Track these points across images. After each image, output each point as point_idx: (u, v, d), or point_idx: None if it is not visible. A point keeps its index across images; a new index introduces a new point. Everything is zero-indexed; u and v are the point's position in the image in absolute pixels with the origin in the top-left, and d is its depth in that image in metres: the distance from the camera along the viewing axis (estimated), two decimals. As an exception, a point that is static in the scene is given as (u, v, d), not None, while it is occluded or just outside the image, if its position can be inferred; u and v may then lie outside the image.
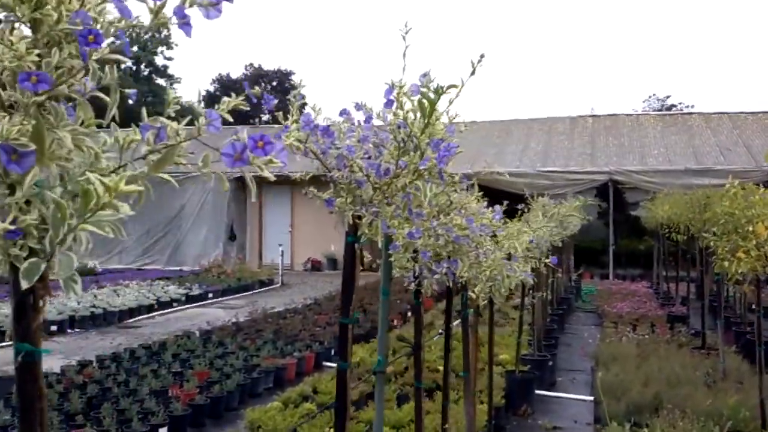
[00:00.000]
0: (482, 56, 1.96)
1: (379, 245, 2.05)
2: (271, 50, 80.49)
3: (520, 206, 8.17)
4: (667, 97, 44.65)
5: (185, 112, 1.07)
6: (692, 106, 39.26)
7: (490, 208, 3.39)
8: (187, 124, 1.09)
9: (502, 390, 7.09)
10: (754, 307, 11.72)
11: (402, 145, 1.99)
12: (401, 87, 1.98)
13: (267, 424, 6.04)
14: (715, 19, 76.76)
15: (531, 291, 8.66)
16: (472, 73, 1.95)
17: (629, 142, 22.71)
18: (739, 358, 8.07)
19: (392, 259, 2.56)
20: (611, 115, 25.27)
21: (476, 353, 4.69)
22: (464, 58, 1.97)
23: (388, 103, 1.94)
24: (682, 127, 23.31)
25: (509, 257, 4.38)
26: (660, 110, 37.50)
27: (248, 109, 1.90)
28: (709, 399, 6.22)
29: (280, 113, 2.03)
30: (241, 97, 1.15)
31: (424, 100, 1.93)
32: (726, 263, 4.40)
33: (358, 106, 2.00)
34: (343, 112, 1.97)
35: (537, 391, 7.85)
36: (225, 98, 1.17)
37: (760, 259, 4.16)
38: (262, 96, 1.98)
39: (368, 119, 1.95)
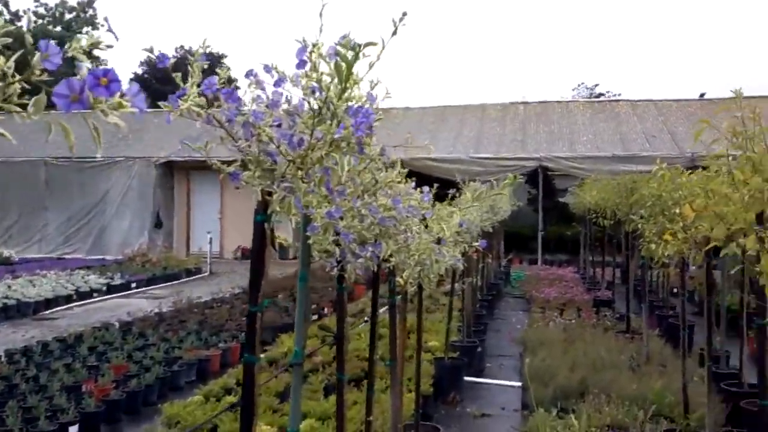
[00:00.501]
0: (404, 14, 1.76)
1: (293, 225, 1.84)
2: (203, 33, 78.42)
3: (451, 191, 8.09)
4: (596, 85, 45.76)
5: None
6: (619, 94, 40.30)
7: (418, 189, 3.22)
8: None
9: (430, 378, 7.00)
10: (675, 290, 12.07)
11: (317, 112, 1.78)
12: (317, 47, 1.77)
13: (186, 419, 5.75)
14: (641, 9, 79.11)
15: (461, 276, 8.60)
16: (394, 33, 1.76)
17: (559, 129, 23.07)
18: (661, 342, 8.23)
19: (311, 241, 2.35)
20: (542, 102, 25.63)
21: (404, 341, 4.54)
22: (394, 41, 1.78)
23: (300, 64, 1.72)
24: (610, 114, 23.84)
25: (438, 241, 4.24)
26: (589, 98, 38.38)
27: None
28: (634, 383, 6.27)
29: (178, 74, 1.78)
30: (98, 34, 0.92)
31: (341, 62, 1.72)
32: (653, 246, 4.38)
33: (267, 68, 1.77)
34: (250, 74, 1.74)
35: (466, 378, 7.80)
36: (79, 35, 0.93)
37: (686, 241, 4.14)
38: (158, 57, 1.74)
39: (279, 82, 1.73)
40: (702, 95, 25.39)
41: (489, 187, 12.48)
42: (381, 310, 4.95)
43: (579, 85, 46.72)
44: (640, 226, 4.93)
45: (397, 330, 4.43)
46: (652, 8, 76.15)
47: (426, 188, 3.24)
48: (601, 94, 43.19)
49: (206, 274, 18.49)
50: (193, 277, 18.01)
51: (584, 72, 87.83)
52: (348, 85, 1.75)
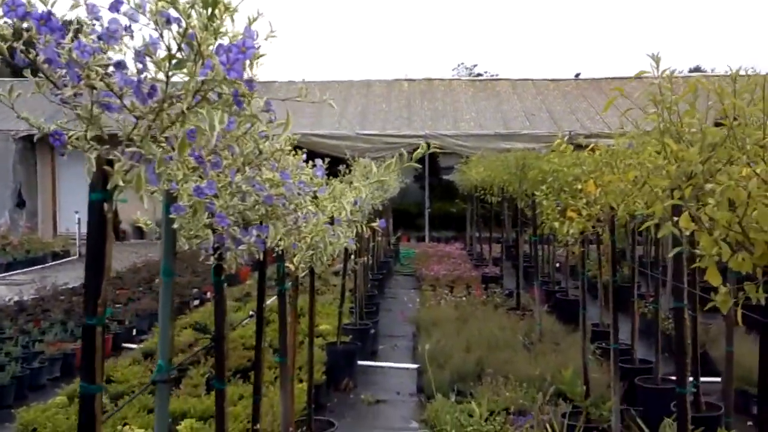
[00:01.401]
0: None
1: (144, 205, 1.34)
2: None
3: (341, 167, 7.67)
4: (474, 65, 46.64)
5: None
6: (497, 75, 41.23)
7: (309, 162, 2.77)
8: None
9: (323, 365, 6.60)
10: (559, 265, 12.30)
11: (175, 50, 1.28)
12: (173, -41, 1.27)
13: (45, 426, 5.04)
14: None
15: (353, 257, 8.23)
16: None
17: (443, 106, 23.13)
18: (552, 319, 8.22)
19: (177, 225, 1.85)
20: (426, 79, 25.60)
21: (294, 332, 4.09)
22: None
23: (149, -21, 1.22)
24: (491, 92, 24.17)
25: (332, 221, 3.81)
26: (469, 77, 38.97)
27: None
28: (530, 363, 6.15)
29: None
30: None
31: (208, -20, 1.24)
32: (557, 224, 4.17)
33: (102, -14, 1.26)
34: (74, -9, 1.22)
35: (359, 362, 7.46)
36: None
37: (590, 218, 3.95)
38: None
39: (116, 5, 1.22)
40: (577, 75, 26.29)
41: (378, 164, 12.23)
42: (268, 301, 4.45)
43: (459, 65, 47.50)
44: (543, 202, 4.73)
45: (288, 320, 3.96)
46: (530, -10, 78.56)
47: (319, 161, 2.79)
48: (479, 74, 44.08)
49: (75, 257, 17.14)
50: (60, 261, 16.65)
51: (463, 51, 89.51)
52: (217, 12, 1.27)
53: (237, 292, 10.62)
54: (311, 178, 2.79)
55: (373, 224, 4.32)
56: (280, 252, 3.39)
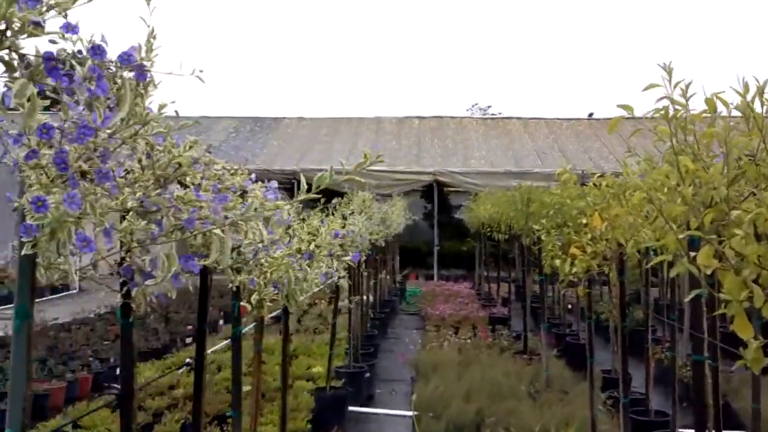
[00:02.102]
0: None
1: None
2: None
3: (335, 200, 7.29)
4: (489, 106, 46.44)
5: None
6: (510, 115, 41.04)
7: (259, 183, 2.38)
8: None
9: (309, 412, 6.12)
10: (571, 307, 11.77)
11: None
12: None
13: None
14: (533, 34, 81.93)
15: (348, 294, 7.79)
16: None
17: (453, 144, 22.86)
18: (561, 364, 7.70)
19: (29, 251, 1.42)
20: (436, 117, 25.40)
21: (258, 382, 3.63)
22: None
23: None
24: (503, 131, 23.88)
25: (299, 252, 3.40)
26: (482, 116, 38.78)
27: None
28: (535, 413, 5.64)
29: None
30: None
31: None
32: (557, 261, 3.75)
33: None
34: None
35: (352, 408, 6.97)
36: None
37: (595, 256, 3.52)
38: None
39: None
40: (590, 115, 25.96)
41: (382, 200, 11.88)
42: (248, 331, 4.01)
43: (473, 106, 47.27)
44: (542, 237, 4.32)
45: (241, 368, 3.53)
46: (543, 33, 79.01)
47: (273, 183, 2.39)
48: (493, 115, 43.89)
49: (74, 291, 16.78)
50: (60, 295, 16.28)
51: (478, 92, 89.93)
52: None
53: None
54: (262, 201, 2.39)
55: (345, 258, 3.90)
56: (234, 289, 2.98)
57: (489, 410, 5.83)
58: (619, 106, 2.87)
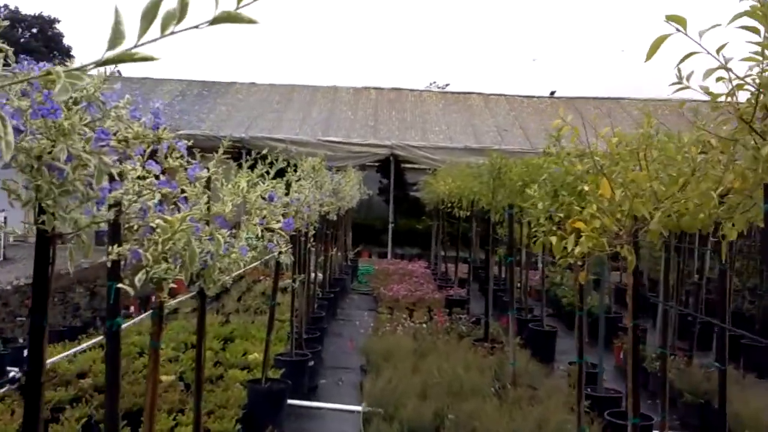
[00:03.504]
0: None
1: None
2: (33, -6, 70.89)
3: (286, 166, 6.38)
4: (447, 84, 45.43)
5: None
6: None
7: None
8: None
9: (239, 409, 5.23)
10: (526, 288, 11.07)
11: None
12: None
13: None
14: (490, 11, 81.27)
15: (293, 272, 6.91)
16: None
17: (412, 117, 21.99)
18: (526, 355, 6.95)
19: None
20: (395, 89, 24.46)
21: (155, 383, 2.71)
22: None
23: None
24: (463, 106, 23.10)
25: (225, 222, 2.50)
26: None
27: None
28: (502, 415, 4.86)
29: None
30: None
31: None
32: (553, 239, 2.92)
33: None
34: None
35: (292, 402, 6.11)
36: None
37: (603, 232, 2.71)
38: None
39: None
40: (552, 93, 25.36)
41: (336, 173, 10.96)
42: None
43: (431, 84, 46.16)
44: (531, 211, 3.50)
45: (148, 371, 2.62)
46: (501, 10, 78.42)
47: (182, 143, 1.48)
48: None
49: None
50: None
51: (436, 69, 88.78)
52: None
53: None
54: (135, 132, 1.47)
55: (274, 225, 3.01)
56: (109, 266, 2.06)
57: (449, 410, 5.03)
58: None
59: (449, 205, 11.68)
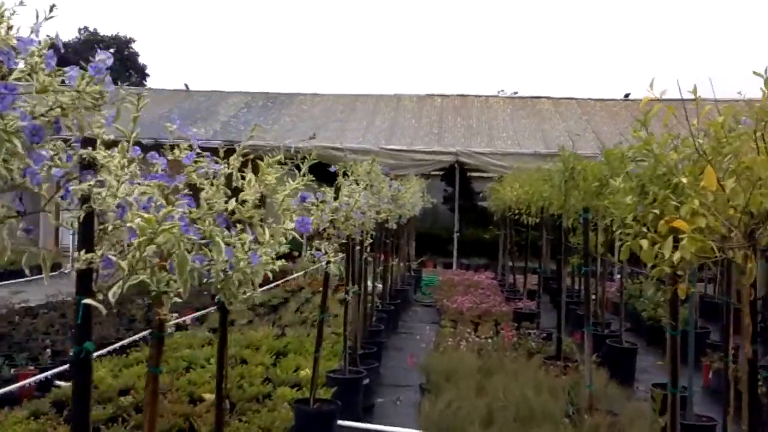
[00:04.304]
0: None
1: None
2: (109, 14, 73.64)
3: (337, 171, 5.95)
4: (515, 92, 44.53)
5: None
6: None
7: None
8: None
9: (285, 431, 4.79)
10: (594, 298, 10.27)
11: None
12: None
13: None
14: (561, 15, 79.56)
15: (341, 284, 6.46)
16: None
17: (478, 124, 21.36)
18: (603, 374, 6.27)
19: None
20: (460, 95, 23.87)
21: (152, 417, 2.27)
22: None
23: None
24: (532, 111, 22.31)
25: (226, 221, 2.05)
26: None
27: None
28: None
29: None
30: None
31: None
32: (644, 243, 2.34)
33: None
34: None
35: (344, 422, 5.64)
36: None
37: (711, 232, 2.12)
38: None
39: None
40: (626, 95, 24.23)
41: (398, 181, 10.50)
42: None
43: (499, 92, 45.30)
44: (613, 212, 2.91)
45: (144, 400, 2.19)
46: (575, 13, 76.63)
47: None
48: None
49: (66, 271, 15.63)
50: (52, 274, 15.13)
51: (503, 75, 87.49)
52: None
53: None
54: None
55: (286, 226, 2.54)
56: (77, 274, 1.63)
57: (517, 440, 4.46)
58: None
59: (517, 212, 11.04)
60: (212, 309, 9.97)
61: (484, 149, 18.83)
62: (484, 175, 19.63)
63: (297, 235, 2.52)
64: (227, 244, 2.56)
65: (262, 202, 2.94)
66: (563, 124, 20.86)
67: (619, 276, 14.47)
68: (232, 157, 2.74)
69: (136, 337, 7.78)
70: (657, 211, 2.12)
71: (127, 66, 43.91)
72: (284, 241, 3.05)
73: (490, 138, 20.12)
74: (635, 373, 7.80)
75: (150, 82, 43.33)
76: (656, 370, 8.41)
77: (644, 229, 2.47)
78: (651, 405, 5.09)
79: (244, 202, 2.79)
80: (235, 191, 2.91)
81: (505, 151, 18.78)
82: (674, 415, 2.97)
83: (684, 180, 2.46)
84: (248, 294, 2.73)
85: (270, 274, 2.89)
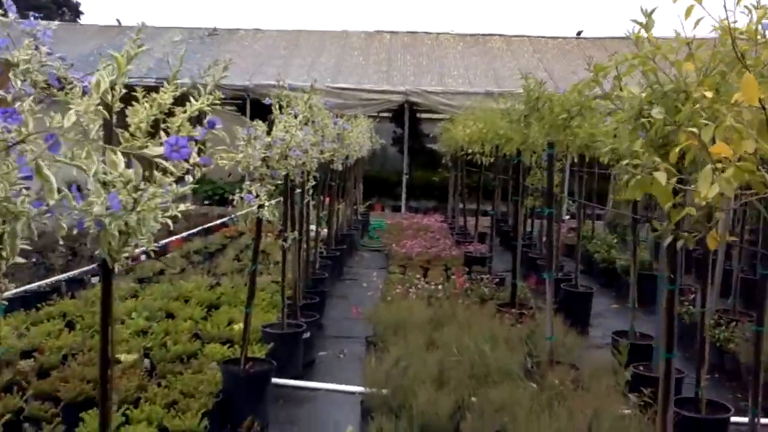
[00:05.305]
0: None
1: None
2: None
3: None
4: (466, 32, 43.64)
5: None
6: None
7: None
8: None
9: (211, 396, 4.21)
10: (549, 242, 9.91)
11: None
12: None
13: None
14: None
15: (280, 232, 5.85)
16: None
17: (428, 62, 20.61)
18: (560, 321, 5.80)
19: None
20: (410, 32, 23.00)
21: None
22: None
23: None
24: (483, 49, 21.65)
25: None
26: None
27: None
28: (541, 407, 3.80)
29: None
30: None
31: None
32: (660, 177, 1.77)
33: None
34: None
35: (282, 381, 5.11)
36: None
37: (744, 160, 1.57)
38: None
39: None
40: (579, 33, 23.72)
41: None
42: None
43: (450, 31, 44.36)
44: (607, 142, 2.33)
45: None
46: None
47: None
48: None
49: None
50: None
51: (454, 12, 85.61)
52: None
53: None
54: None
55: (193, 131, 1.92)
56: None
57: (473, 402, 3.97)
58: None
59: (470, 152, 10.49)
60: (143, 257, 9.24)
61: (434, 88, 18.16)
62: (434, 116, 19.02)
63: (167, 165, 1.87)
64: (103, 184, 1.92)
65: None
66: (515, 63, 20.28)
67: (568, 217, 14.21)
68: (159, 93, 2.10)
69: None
70: (692, 131, 1.56)
71: (59, 3, 41.27)
72: (191, 180, 2.41)
73: (440, 77, 19.43)
74: (590, 317, 7.49)
75: (85, 20, 40.84)
76: (610, 314, 8.11)
77: (657, 159, 1.91)
78: (616, 357, 4.68)
79: (127, 126, 2.13)
80: (121, 115, 2.24)
81: (456, 90, 18.15)
82: (668, 384, 2.47)
83: (708, 94, 1.89)
84: (140, 248, 2.12)
85: (170, 223, 2.26)
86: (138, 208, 1.98)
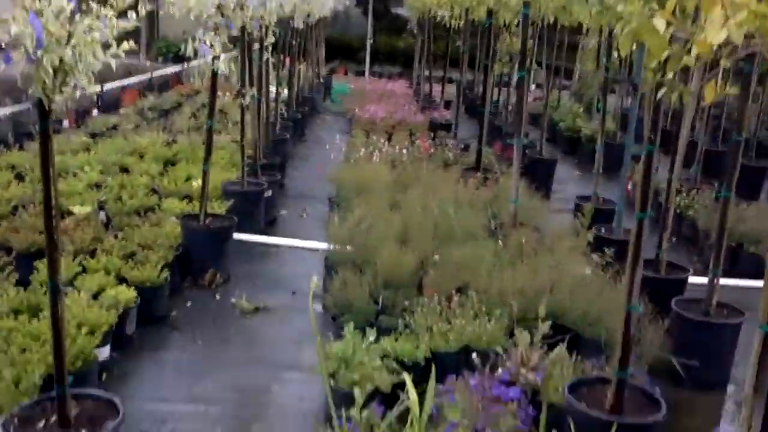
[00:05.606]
0: None
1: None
2: None
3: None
4: None
5: None
6: None
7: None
8: None
9: (171, 250, 4.12)
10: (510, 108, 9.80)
11: None
12: None
13: None
14: None
15: (239, 90, 5.58)
16: None
17: None
18: (524, 186, 5.76)
19: None
20: None
21: None
22: None
23: None
24: None
25: None
26: None
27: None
28: (503, 265, 3.82)
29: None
30: None
31: None
32: (658, 24, 1.60)
33: None
34: None
35: (244, 236, 5.05)
36: None
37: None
38: None
39: None
40: None
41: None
42: None
43: None
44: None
45: None
46: None
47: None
48: None
49: None
50: None
51: None
52: None
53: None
54: None
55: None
56: None
57: (436, 260, 3.97)
58: None
59: (439, 16, 10.07)
60: (95, 112, 8.87)
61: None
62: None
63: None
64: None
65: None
66: None
67: (534, 86, 14.03)
68: None
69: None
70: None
71: None
72: (135, 18, 2.19)
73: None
74: (553, 184, 7.54)
75: None
76: (572, 181, 8.18)
77: (654, 6, 1.74)
78: (579, 220, 4.71)
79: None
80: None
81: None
82: (638, 243, 2.42)
83: None
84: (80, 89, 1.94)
85: (113, 64, 2.06)
86: (72, 42, 1.77)
